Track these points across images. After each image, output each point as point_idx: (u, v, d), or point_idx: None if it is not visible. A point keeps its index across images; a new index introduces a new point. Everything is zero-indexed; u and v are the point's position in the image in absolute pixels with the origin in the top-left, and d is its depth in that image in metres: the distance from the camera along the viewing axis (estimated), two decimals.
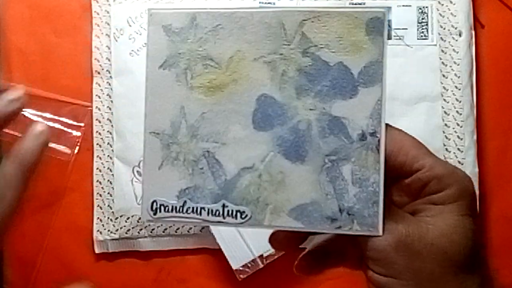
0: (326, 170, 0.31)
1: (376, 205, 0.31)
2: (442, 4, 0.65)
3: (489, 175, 0.65)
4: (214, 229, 0.61)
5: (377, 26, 0.31)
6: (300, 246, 0.34)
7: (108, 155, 0.64)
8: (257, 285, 0.63)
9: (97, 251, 0.64)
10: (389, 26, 0.65)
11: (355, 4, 0.65)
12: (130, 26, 0.65)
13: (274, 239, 0.35)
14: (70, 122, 0.65)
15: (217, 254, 0.62)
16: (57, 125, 0.64)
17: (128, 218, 0.63)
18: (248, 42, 0.32)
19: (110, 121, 0.64)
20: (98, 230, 0.64)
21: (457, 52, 0.64)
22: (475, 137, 0.63)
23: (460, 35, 0.64)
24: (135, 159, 0.63)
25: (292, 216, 0.32)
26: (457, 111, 0.63)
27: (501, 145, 0.65)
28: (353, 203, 0.31)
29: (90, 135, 0.64)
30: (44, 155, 0.31)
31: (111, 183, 0.64)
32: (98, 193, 0.64)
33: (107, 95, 0.65)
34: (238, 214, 0.32)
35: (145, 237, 0.63)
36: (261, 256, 0.61)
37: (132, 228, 0.63)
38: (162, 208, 0.33)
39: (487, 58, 0.66)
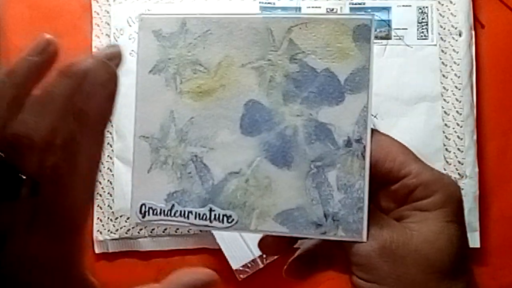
0: (312, 176, 0.32)
1: (361, 211, 0.31)
2: (442, 4, 0.65)
3: (489, 175, 0.65)
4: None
5: (364, 33, 0.32)
6: (294, 246, 0.34)
7: (108, 155, 0.64)
8: (257, 285, 0.63)
9: (97, 251, 0.64)
10: (389, 26, 0.65)
11: (355, 4, 0.65)
12: (130, 26, 0.65)
13: (262, 243, 0.35)
14: None
15: (217, 254, 0.62)
16: None
17: (128, 218, 0.63)
18: (236, 48, 0.32)
19: (110, 121, 0.64)
20: (98, 230, 0.64)
21: (457, 52, 0.64)
22: (475, 137, 0.63)
23: (460, 35, 0.64)
24: None
25: (278, 221, 0.32)
26: (457, 111, 0.63)
27: (501, 145, 0.65)
28: (338, 209, 0.31)
29: None
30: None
31: (111, 183, 0.64)
32: (98, 193, 0.64)
33: None
34: (225, 218, 0.32)
35: (145, 237, 0.63)
36: (261, 256, 0.61)
37: (132, 228, 0.63)
38: (151, 211, 0.33)
39: (487, 58, 0.66)
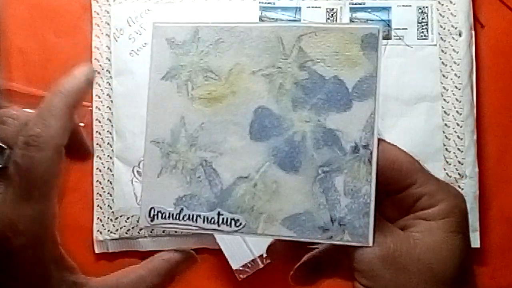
0: (319, 180, 0.32)
1: (367, 216, 0.31)
2: (442, 4, 0.65)
3: (489, 175, 0.65)
4: None
5: (372, 42, 0.32)
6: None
7: (108, 155, 0.64)
8: (257, 285, 0.63)
9: (97, 251, 0.64)
10: (389, 26, 0.65)
11: (355, 4, 0.65)
12: (130, 26, 0.65)
13: (271, 250, 0.35)
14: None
15: (217, 254, 0.62)
16: None
17: (128, 218, 0.63)
18: (247, 55, 0.33)
19: (110, 121, 0.64)
20: (98, 230, 0.64)
21: (457, 52, 0.64)
22: (475, 137, 0.63)
23: (460, 35, 0.64)
24: (135, 159, 0.63)
25: (285, 225, 0.32)
26: (457, 111, 0.63)
27: (501, 145, 0.65)
28: (345, 213, 0.32)
29: (90, 135, 0.65)
30: (87, 93, 0.32)
31: (111, 183, 0.64)
32: (98, 193, 0.64)
33: (107, 95, 0.65)
34: (233, 222, 0.33)
35: (145, 237, 0.63)
36: (261, 256, 0.61)
37: (132, 228, 0.63)
38: (160, 215, 0.34)
39: (487, 58, 0.66)
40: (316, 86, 0.33)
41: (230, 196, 0.33)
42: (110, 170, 0.64)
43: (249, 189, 0.33)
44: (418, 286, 0.30)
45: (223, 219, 0.33)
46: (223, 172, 0.33)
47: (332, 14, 0.65)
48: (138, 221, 0.63)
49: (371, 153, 0.32)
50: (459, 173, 0.63)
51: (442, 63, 0.64)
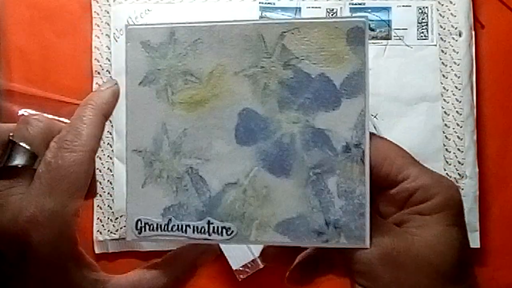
0: (311, 183, 0.31)
1: (363, 217, 0.31)
2: (442, 4, 0.65)
3: (489, 175, 0.65)
4: None
5: (358, 35, 0.31)
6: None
7: (108, 155, 0.64)
8: (257, 285, 0.63)
9: (97, 251, 0.64)
10: (389, 26, 0.65)
11: (355, 4, 0.65)
12: None
13: (265, 255, 0.35)
14: (65, 120, 0.65)
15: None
16: None
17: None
18: (228, 56, 0.32)
19: (110, 121, 0.64)
20: (98, 230, 0.64)
21: (457, 52, 0.64)
22: (475, 137, 0.63)
23: (460, 35, 0.64)
24: None
25: (279, 231, 0.31)
26: (457, 111, 0.63)
27: (501, 145, 0.65)
28: (340, 216, 0.31)
29: None
30: (115, 103, 0.34)
31: (111, 183, 0.64)
32: (98, 193, 0.64)
33: None
34: (224, 231, 0.32)
35: None
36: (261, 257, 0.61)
37: None
38: (147, 226, 0.32)
39: (487, 58, 0.66)
40: (303, 85, 0.31)
41: (219, 203, 0.32)
42: (110, 170, 0.64)
43: (238, 195, 0.32)
44: (419, 282, 0.30)
45: (213, 228, 0.32)
46: (210, 179, 0.32)
47: (332, 14, 0.65)
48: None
49: (363, 152, 0.31)
50: (459, 173, 0.63)
51: (442, 63, 0.64)
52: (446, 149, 0.63)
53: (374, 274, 0.30)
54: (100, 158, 0.64)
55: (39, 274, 0.30)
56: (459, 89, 0.64)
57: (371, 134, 0.32)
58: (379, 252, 0.30)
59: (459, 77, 0.64)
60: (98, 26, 0.66)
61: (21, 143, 0.31)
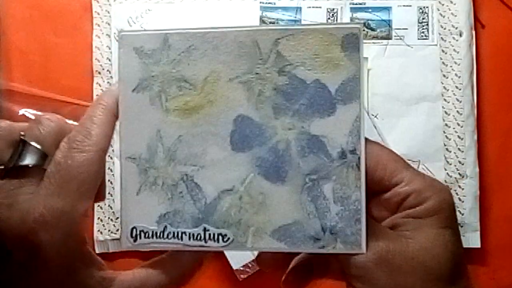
0: (307, 189, 0.31)
1: (359, 223, 0.31)
2: (443, 4, 0.65)
3: (489, 175, 0.65)
4: None
5: (353, 42, 0.31)
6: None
7: (108, 155, 0.64)
8: (257, 285, 0.63)
9: (97, 251, 0.64)
10: (389, 26, 0.65)
11: (355, 4, 0.65)
12: (130, 26, 0.65)
13: (260, 260, 0.35)
14: (70, 122, 0.65)
15: (217, 254, 0.62)
16: None
17: None
18: (222, 62, 0.32)
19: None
20: (98, 230, 0.64)
21: (458, 52, 0.64)
22: (475, 137, 0.63)
23: (460, 35, 0.64)
24: None
25: (275, 237, 0.31)
26: (457, 111, 0.63)
27: (501, 145, 0.65)
28: (336, 221, 0.31)
29: None
30: None
31: (111, 183, 0.64)
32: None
33: None
34: (220, 238, 0.32)
35: None
36: None
37: None
38: (142, 234, 0.32)
39: (488, 58, 0.66)
40: (297, 91, 0.31)
41: (215, 210, 0.32)
42: (111, 170, 0.64)
43: (234, 202, 0.31)
44: (414, 284, 0.30)
45: (209, 234, 0.32)
46: (206, 185, 0.32)
47: (332, 14, 0.65)
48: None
49: (358, 158, 0.31)
50: (459, 173, 0.63)
51: (443, 63, 0.64)
52: (447, 149, 0.63)
53: (370, 278, 0.31)
54: None
55: (47, 274, 0.30)
56: (460, 89, 0.64)
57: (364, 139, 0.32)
58: (374, 255, 0.30)
59: (459, 77, 0.64)
60: (98, 26, 0.66)
61: (32, 143, 0.31)
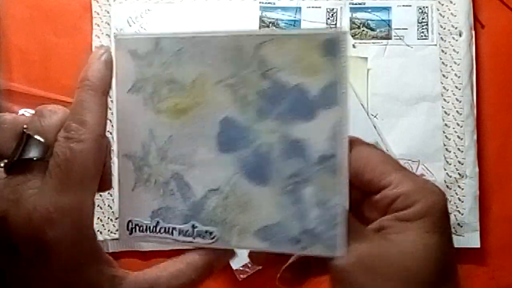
0: (288, 192, 0.32)
1: (338, 227, 0.31)
2: (442, 4, 0.65)
3: (489, 175, 0.65)
4: None
5: (334, 47, 0.31)
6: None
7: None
8: (257, 285, 0.63)
9: None
10: (389, 26, 0.65)
11: (355, 4, 0.65)
12: (130, 26, 0.65)
13: (252, 255, 0.35)
14: None
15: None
16: None
17: None
18: (209, 65, 0.32)
19: (110, 121, 0.64)
20: (98, 230, 0.64)
21: (457, 52, 0.64)
22: (475, 137, 0.63)
23: (460, 35, 0.64)
24: None
25: (258, 237, 0.32)
26: (457, 111, 0.63)
27: (501, 145, 0.65)
28: (315, 224, 0.31)
29: None
30: (111, 75, 0.32)
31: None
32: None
33: None
34: (207, 235, 0.33)
35: None
36: None
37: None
38: (137, 228, 0.33)
39: (487, 58, 0.66)
40: (280, 95, 0.31)
41: (203, 208, 0.33)
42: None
43: (220, 201, 0.32)
44: None
45: (197, 231, 0.33)
46: (194, 184, 0.33)
47: (332, 14, 0.65)
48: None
49: (339, 162, 0.31)
50: (459, 173, 0.63)
51: (442, 63, 0.64)
52: (446, 149, 0.63)
53: (351, 281, 0.30)
54: None
55: (55, 270, 0.30)
56: (459, 89, 0.64)
57: (353, 141, 0.32)
58: (355, 258, 0.30)
59: (459, 77, 0.64)
60: (98, 26, 0.66)
61: (35, 136, 0.31)
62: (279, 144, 0.32)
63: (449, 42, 0.64)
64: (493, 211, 0.64)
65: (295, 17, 0.65)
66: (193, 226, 0.33)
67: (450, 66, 0.64)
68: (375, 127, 0.63)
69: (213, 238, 0.32)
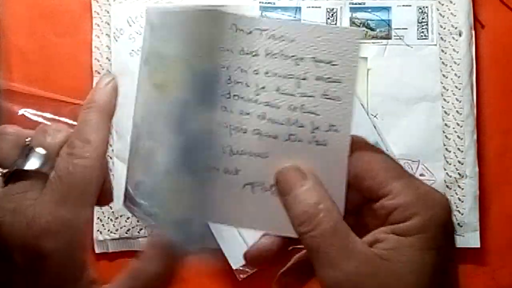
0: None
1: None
2: (442, 4, 0.65)
3: (489, 175, 0.65)
4: (214, 228, 0.61)
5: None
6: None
7: (108, 155, 0.64)
8: (257, 285, 0.63)
9: (97, 251, 0.64)
10: (389, 26, 0.65)
11: (355, 4, 0.65)
12: (130, 26, 0.65)
13: (248, 256, 0.35)
14: (70, 122, 0.65)
15: (216, 254, 0.62)
16: None
17: (128, 218, 0.63)
18: (187, 45, 0.32)
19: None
20: (98, 230, 0.64)
21: (457, 52, 0.64)
22: (475, 136, 0.63)
23: (460, 35, 0.64)
24: None
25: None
26: (457, 111, 0.63)
27: (501, 145, 0.65)
28: None
29: None
30: (117, 99, 0.34)
31: None
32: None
33: None
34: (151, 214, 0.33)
35: (145, 237, 0.63)
36: None
37: (132, 228, 0.63)
38: (128, 197, 0.34)
39: (487, 58, 0.66)
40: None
41: (164, 188, 0.33)
42: (110, 170, 0.64)
43: (170, 184, 0.33)
44: None
45: (155, 212, 0.33)
46: (159, 163, 0.33)
47: (332, 14, 0.65)
48: (138, 220, 0.63)
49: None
50: (459, 173, 0.63)
51: (442, 63, 0.64)
52: (446, 149, 0.63)
53: None
54: None
55: (47, 280, 0.30)
56: (459, 89, 0.64)
57: (358, 143, 0.31)
58: (344, 277, 0.29)
59: (459, 77, 0.64)
60: (98, 25, 0.66)
61: (37, 149, 0.31)
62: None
63: (449, 42, 0.64)
64: (493, 211, 0.64)
65: (295, 17, 0.65)
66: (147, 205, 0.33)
67: (450, 66, 0.64)
68: (375, 127, 0.63)
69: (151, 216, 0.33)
